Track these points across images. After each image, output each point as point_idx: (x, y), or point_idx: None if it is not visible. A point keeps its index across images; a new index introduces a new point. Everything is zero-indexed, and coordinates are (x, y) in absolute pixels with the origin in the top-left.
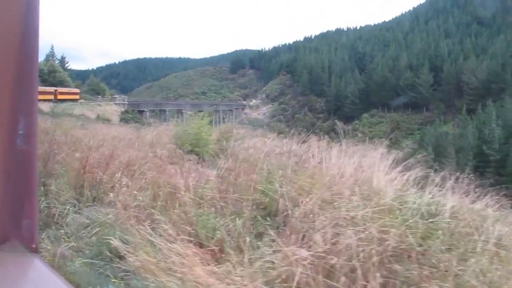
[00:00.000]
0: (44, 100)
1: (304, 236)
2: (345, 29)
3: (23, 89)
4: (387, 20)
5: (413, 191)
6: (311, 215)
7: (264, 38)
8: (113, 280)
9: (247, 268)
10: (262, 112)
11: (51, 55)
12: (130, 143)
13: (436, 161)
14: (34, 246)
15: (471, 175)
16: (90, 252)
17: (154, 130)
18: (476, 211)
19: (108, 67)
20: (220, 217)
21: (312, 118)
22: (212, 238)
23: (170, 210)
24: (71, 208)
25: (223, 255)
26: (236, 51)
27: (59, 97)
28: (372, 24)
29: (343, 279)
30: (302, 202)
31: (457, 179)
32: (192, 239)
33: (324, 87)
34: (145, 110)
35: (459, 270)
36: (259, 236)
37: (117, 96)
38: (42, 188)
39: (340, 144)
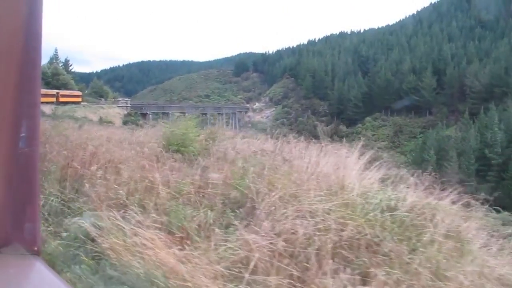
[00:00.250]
0: (47, 103)
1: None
2: (349, 32)
3: (25, 92)
4: (390, 23)
5: (377, 188)
6: (273, 208)
7: (267, 42)
8: (83, 259)
9: (210, 252)
10: (265, 115)
11: (54, 58)
12: (120, 142)
13: (438, 164)
14: (36, 249)
15: (434, 173)
16: (67, 236)
17: (147, 131)
18: (433, 206)
19: (112, 70)
20: (193, 210)
21: (314, 121)
22: (182, 228)
23: (145, 202)
24: (54, 199)
25: (188, 242)
26: (240, 54)
27: (61, 99)
28: (376, 28)
29: (297, 264)
30: (268, 196)
31: (418, 176)
32: (161, 226)
33: (327, 90)
34: (148, 112)
35: (409, 258)
36: (228, 226)
37: (120, 98)
38: None
39: (322, 145)
